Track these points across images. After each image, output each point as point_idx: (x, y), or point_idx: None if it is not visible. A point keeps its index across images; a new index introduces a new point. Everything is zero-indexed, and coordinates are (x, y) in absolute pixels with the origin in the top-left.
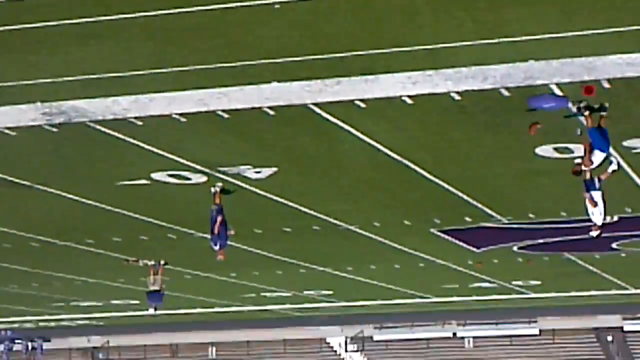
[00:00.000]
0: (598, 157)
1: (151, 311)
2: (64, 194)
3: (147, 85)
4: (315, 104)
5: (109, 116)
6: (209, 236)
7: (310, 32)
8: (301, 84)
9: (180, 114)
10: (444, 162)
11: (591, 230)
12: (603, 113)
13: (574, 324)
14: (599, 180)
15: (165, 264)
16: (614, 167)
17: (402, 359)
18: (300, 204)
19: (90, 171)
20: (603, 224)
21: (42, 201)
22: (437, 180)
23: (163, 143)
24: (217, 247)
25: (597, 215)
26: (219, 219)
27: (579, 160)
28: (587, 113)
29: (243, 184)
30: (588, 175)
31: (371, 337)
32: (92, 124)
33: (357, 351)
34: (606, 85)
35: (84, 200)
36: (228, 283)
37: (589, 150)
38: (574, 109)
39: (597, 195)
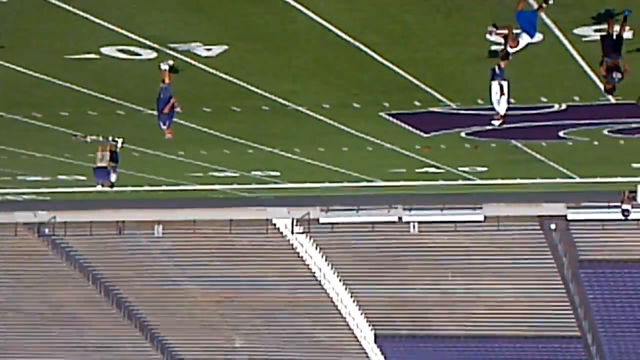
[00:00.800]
0: (524, 40)
1: (98, 187)
2: (11, 65)
3: None
4: None
5: None
6: (157, 114)
7: None
8: None
9: None
10: (396, 45)
11: (494, 119)
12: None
13: (518, 211)
14: (502, 69)
15: (116, 140)
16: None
17: (347, 242)
18: (250, 83)
19: (39, 43)
20: (505, 113)
21: None
22: (387, 63)
23: (113, 17)
24: (165, 126)
25: (502, 104)
26: (172, 100)
27: (501, 42)
28: None
29: (193, 62)
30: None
31: (317, 220)
32: None
33: (302, 233)
34: None
35: (31, 72)
36: (175, 161)
37: (511, 32)
38: None
39: (504, 83)
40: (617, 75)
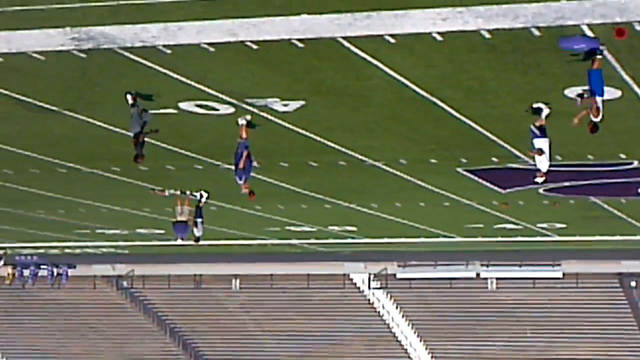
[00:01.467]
0: (599, 102)
1: (179, 242)
2: (91, 120)
3: (177, 13)
4: (345, 38)
5: (137, 43)
6: (234, 168)
7: None
8: (331, 16)
9: (209, 44)
10: (472, 101)
11: (536, 177)
12: (599, 56)
13: (597, 268)
14: (542, 127)
15: (200, 195)
16: (546, 111)
17: (424, 298)
18: (327, 138)
19: (118, 99)
20: (548, 170)
21: (69, 127)
22: (464, 118)
23: (191, 72)
24: (241, 181)
25: (543, 162)
26: (245, 153)
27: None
28: (599, 57)
29: (270, 117)
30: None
31: (394, 275)
32: (120, 51)
33: (379, 288)
34: (638, 27)
35: (111, 127)
36: (253, 216)
37: (594, 100)
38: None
39: (544, 142)
40: None
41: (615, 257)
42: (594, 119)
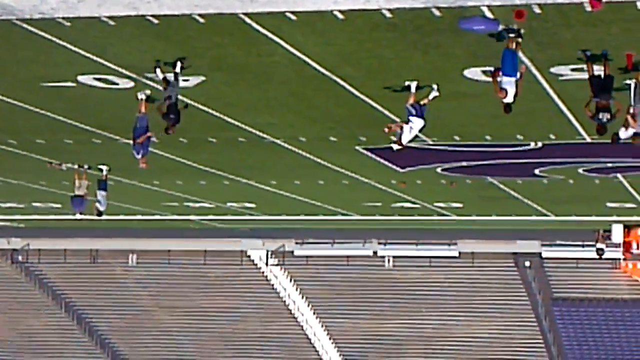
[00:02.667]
0: (507, 83)
1: (77, 216)
2: None
3: None
4: (246, 14)
5: (37, 15)
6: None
7: None
8: None
9: (109, 17)
10: (373, 80)
11: (394, 143)
12: (519, 38)
13: (493, 247)
14: (423, 106)
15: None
16: (435, 93)
17: (321, 275)
18: (227, 114)
19: (16, 71)
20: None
21: None
22: (364, 97)
23: (90, 46)
24: (139, 156)
25: (405, 135)
26: (149, 134)
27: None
28: (512, 35)
29: None
30: (411, 100)
31: (292, 252)
32: (18, 22)
33: (277, 265)
34: (537, 10)
35: (7, 99)
36: (151, 191)
37: (496, 81)
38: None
39: (418, 122)
40: (605, 116)
41: (511, 237)
42: (502, 99)
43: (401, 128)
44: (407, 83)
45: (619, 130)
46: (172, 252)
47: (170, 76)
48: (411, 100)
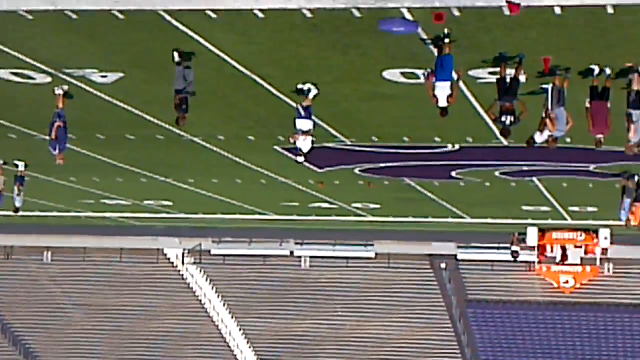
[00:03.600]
0: (440, 88)
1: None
2: None
3: None
4: (166, 11)
5: None
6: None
7: None
8: None
9: (27, 11)
10: (292, 79)
11: (299, 156)
12: (447, 40)
13: (409, 249)
14: (306, 108)
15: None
16: (314, 92)
17: (238, 275)
18: (145, 111)
19: None
20: (309, 151)
21: None
22: (283, 96)
23: (8, 40)
24: (55, 152)
25: (305, 143)
26: (57, 123)
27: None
28: (447, 41)
29: (88, 88)
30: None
31: (209, 251)
32: None
33: (193, 264)
34: (456, 13)
35: None
36: (67, 187)
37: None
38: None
39: (306, 123)
40: (507, 118)
41: (426, 238)
42: (436, 104)
43: (296, 138)
44: (301, 86)
45: (534, 133)
46: (87, 250)
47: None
48: (305, 103)
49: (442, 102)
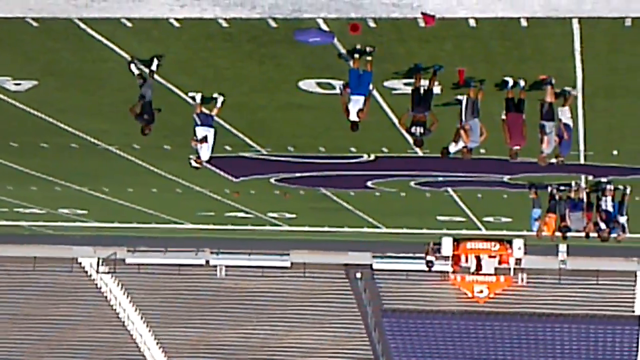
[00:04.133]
0: (354, 102)
1: None
2: None
3: None
4: (81, 19)
5: None
6: None
7: None
8: None
9: None
10: (208, 89)
11: (192, 160)
12: (369, 57)
13: (324, 258)
14: (209, 115)
15: None
16: (220, 99)
17: (153, 284)
18: (60, 120)
19: None
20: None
21: None
22: None
23: None
24: None
25: (204, 150)
26: None
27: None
28: (357, 56)
29: (1, 96)
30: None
31: (123, 260)
32: None
33: (108, 273)
34: (372, 24)
35: None
36: None
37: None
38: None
39: (206, 130)
40: (417, 130)
41: (342, 248)
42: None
43: (197, 145)
44: (191, 94)
45: (449, 144)
46: (0, 258)
47: (145, 74)
48: (197, 110)
49: (353, 116)
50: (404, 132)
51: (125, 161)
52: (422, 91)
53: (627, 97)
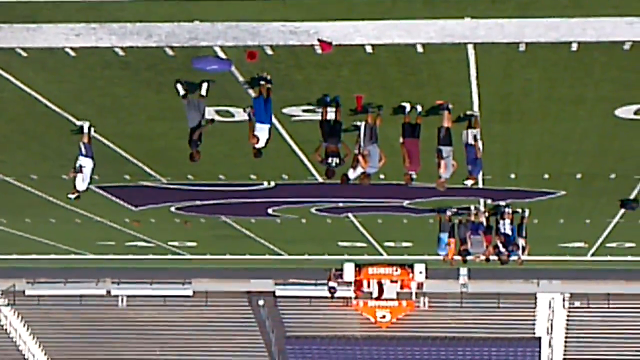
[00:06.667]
0: (260, 130)
1: None
2: None
3: None
4: None
5: None
6: None
7: None
8: None
9: None
10: (105, 118)
11: (73, 194)
12: (269, 85)
13: (227, 286)
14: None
15: None
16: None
17: (53, 315)
18: None
19: None
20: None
21: None
22: (97, 135)
23: None
24: None
25: (79, 182)
26: None
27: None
28: (262, 83)
29: None
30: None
31: (23, 292)
32: None
33: (7, 305)
34: (269, 51)
35: None
36: None
37: (251, 127)
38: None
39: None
40: (334, 160)
41: (245, 275)
42: (254, 145)
43: (74, 177)
44: (79, 123)
45: (348, 170)
46: None
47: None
48: (85, 139)
49: (262, 144)
50: (304, 158)
51: (23, 192)
52: (331, 123)
53: (522, 121)
